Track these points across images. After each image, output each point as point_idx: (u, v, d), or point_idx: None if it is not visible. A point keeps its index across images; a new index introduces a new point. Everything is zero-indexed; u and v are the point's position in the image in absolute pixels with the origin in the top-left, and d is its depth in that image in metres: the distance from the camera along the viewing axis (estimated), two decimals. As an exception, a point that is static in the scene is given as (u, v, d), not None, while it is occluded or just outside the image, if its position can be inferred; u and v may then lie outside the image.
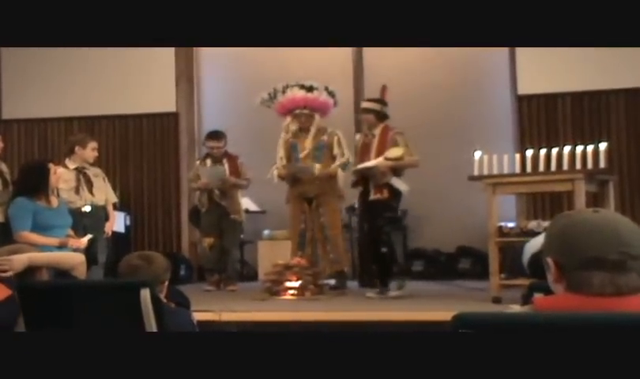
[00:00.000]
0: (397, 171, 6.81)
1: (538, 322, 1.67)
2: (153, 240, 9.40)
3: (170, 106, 9.42)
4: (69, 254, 4.68)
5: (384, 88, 7.17)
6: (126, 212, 9.03)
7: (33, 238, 5.46)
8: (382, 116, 6.92)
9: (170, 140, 9.48)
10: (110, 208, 6.83)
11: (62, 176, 6.43)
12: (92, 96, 9.39)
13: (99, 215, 6.65)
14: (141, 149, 9.52)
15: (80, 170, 6.64)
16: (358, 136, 7.20)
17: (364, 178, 6.89)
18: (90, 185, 6.62)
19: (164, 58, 9.23)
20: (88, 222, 6.44)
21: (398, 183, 6.79)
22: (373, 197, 6.79)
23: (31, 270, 3.54)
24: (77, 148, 6.71)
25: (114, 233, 7.13)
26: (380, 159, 6.74)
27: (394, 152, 6.75)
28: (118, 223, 7.63)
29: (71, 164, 6.66)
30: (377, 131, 6.88)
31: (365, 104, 7.09)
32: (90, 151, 6.72)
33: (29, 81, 9.50)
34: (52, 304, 3.24)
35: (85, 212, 6.51)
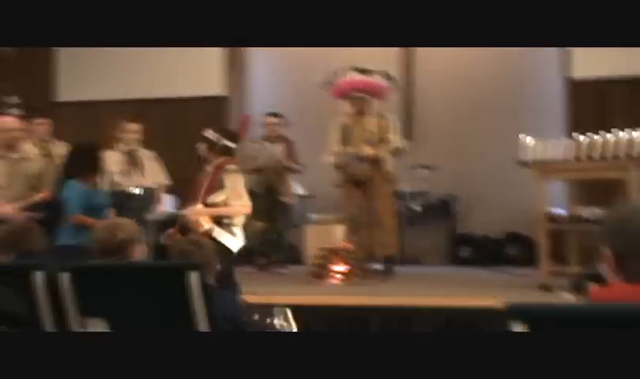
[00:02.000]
0: (221, 221, 5.34)
1: (597, 314, 1.63)
2: (200, 222, 9.42)
3: (219, 90, 9.45)
4: None
5: (244, 119, 5.95)
6: (174, 193, 9.06)
7: (89, 221, 5.52)
8: (217, 150, 5.49)
9: (219, 123, 9.47)
10: (160, 189, 6.89)
11: (112, 158, 6.50)
12: (141, 79, 9.46)
13: (149, 197, 6.71)
14: (189, 132, 9.54)
15: (130, 153, 6.69)
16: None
17: (184, 228, 5.39)
18: (140, 167, 6.68)
19: (213, 41, 9.24)
20: (137, 204, 6.50)
21: (223, 237, 5.31)
22: None
23: (129, 246, 3.55)
24: (116, 131, 6.80)
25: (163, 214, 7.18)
26: (198, 206, 5.40)
27: (216, 197, 5.38)
28: (167, 205, 7.68)
29: (122, 147, 6.73)
30: (211, 167, 5.51)
31: (204, 132, 5.63)
32: (125, 133, 6.76)
33: (82, 64, 9.60)
34: (103, 284, 3.29)
35: (135, 194, 6.57)
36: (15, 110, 8.59)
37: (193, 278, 3.02)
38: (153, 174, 6.79)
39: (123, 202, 6.21)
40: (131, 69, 9.49)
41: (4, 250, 3.94)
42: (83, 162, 5.83)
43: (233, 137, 5.66)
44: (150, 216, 6.64)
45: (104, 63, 9.55)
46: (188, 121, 9.57)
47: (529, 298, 5.49)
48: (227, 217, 5.35)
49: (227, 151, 5.52)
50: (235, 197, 5.39)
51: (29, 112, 7.49)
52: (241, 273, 7.43)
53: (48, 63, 9.80)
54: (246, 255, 8.88)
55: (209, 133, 5.54)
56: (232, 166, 5.47)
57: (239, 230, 5.42)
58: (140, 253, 3.58)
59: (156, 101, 9.53)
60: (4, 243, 3.99)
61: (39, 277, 3.26)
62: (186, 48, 9.23)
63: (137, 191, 6.59)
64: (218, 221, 5.32)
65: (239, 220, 5.46)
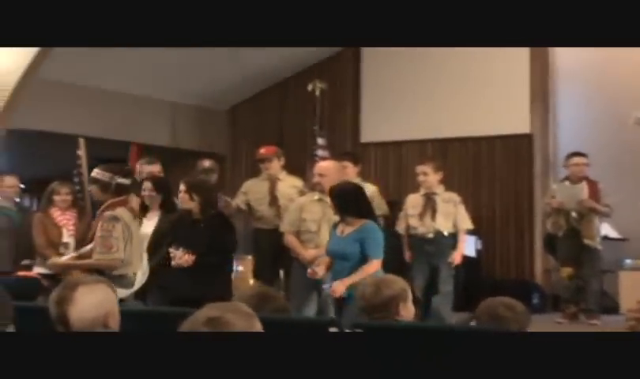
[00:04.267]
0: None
1: None
2: (505, 265, 9.12)
3: (523, 128, 9.08)
4: None
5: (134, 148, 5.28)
6: (477, 235, 8.83)
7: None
8: (113, 190, 4.90)
9: (523, 163, 9.13)
10: (461, 234, 6.60)
11: (412, 201, 6.43)
12: (444, 118, 9.36)
13: (443, 242, 6.47)
14: (493, 171, 9.30)
15: (428, 196, 6.55)
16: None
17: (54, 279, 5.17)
18: (434, 211, 6.49)
19: (518, 77, 8.95)
20: (430, 249, 6.33)
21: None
22: None
23: (395, 304, 3.46)
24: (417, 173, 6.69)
25: (465, 257, 6.93)
26: (65, 257, 5.25)
27: (87, 247, 4.94)
28: (468, 246, 7.45)
29: (422, 189, 6.62)
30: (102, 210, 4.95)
31: (92, 172, 5.07)
32: (420, 175, 6.60)
33: (384, 105, 9.72)
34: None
35: (428, 239, 6.39)
36: (323, 152, 8.84)
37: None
38: (448, 218, 6.53)
39: (418, 247, 6.08)
40: (434, 108, 9.43)
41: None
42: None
43: (126, 174, 5.06)
44: (445, 262, 6.44)
45: (407, 103, 9.59)
46: (492, 160, 9.32)
47: None
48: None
49: (122, 190, 4.91)
50: (103, 249, 4.73)
51: (340, 155, 7.56)
52: (550, 322, 7.04)
53: (354, 103, 10.02)
54: (552, 302, 8.46)
55: (98, 173, 4.94)
56: (109, 213, 4.80)
57: (131, 280, 4.83)
58: (407, 312, 3.40)
59: (459, 140, 9.38)
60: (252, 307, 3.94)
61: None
62: (490, 85, 9.02)
63: (430, 235, 6.40)
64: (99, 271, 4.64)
65: (134, 267, 4.85)
